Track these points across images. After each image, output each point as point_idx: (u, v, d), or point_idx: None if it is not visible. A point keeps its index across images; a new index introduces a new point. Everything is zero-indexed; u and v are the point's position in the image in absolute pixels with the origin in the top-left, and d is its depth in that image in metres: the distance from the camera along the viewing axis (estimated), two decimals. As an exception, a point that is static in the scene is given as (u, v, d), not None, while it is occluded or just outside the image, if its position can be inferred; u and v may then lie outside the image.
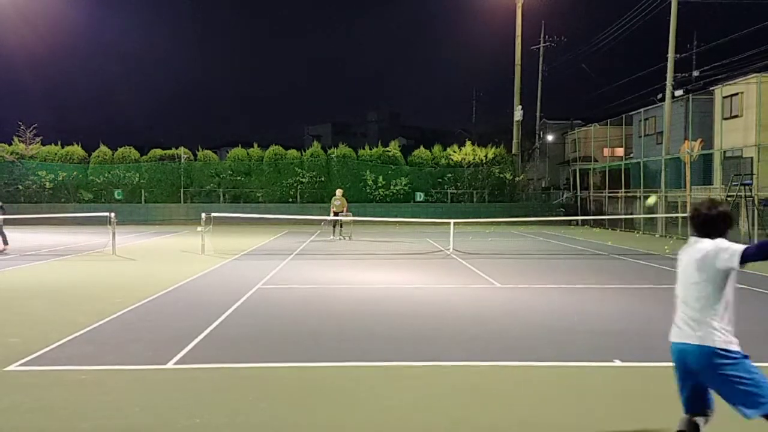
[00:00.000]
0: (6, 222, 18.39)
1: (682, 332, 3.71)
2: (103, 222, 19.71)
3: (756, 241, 18.85)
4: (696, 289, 3.65)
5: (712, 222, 3.67)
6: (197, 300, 9.67)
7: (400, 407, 4.98)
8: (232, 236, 23.07)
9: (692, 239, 3.77)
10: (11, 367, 6.01)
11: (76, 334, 7.30)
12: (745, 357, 3.57)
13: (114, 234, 17.09)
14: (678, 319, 3.78)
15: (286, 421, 4.73)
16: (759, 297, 10.29)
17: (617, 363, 6.25)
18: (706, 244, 3.63)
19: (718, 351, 3.51)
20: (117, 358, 6.34)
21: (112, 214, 17.32)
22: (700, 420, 3.74)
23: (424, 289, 11.03)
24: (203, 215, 17.81)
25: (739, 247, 3.46)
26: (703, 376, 3.62)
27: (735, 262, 3.46)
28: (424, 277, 12.36)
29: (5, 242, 17.52)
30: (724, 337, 3.54)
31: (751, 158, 23.43)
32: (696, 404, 3.74)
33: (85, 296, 10.04)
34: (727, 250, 3.49)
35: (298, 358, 6.36)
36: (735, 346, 3.55)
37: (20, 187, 34.21)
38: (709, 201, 3.80)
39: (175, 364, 6.15)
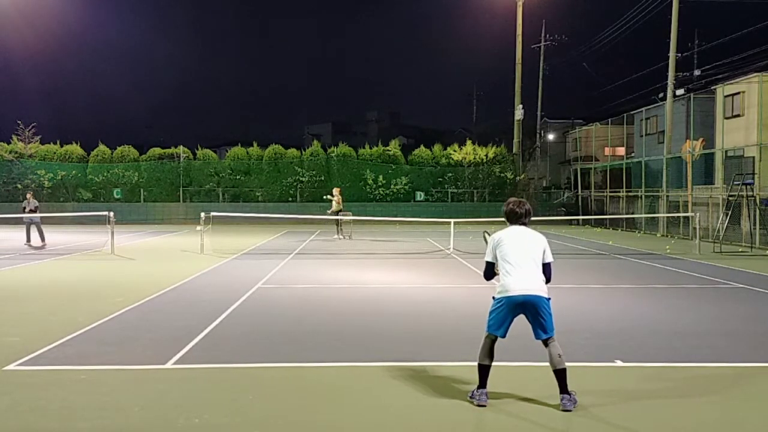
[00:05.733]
0: (7, 221, 18.51)
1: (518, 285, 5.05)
2: (101, 221, 19.70)
3: (757, 240, 18.72)
4: (539, 259, 5.15)
5: (527, 215, 5.27)
6: (197, 300, 9.65)
7: (399, 407, 4.96)
8: (232, 235, 23.05)
9: (516, 227, 5.23)
10: (10, 367, 5.99)
11: (76, 334, 7.28)
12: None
13: (113, 233, 17.06)
14: (519, 277, 5.06)
15: (286, 420, 4.71)
16: (759, 297, 10.26)
17: (618, 363, 6.23)
18: (540, 236, 5.24)
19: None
20: (116, 358, 6.32)
21: (111, 214, 17.31)
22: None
23: (424, 288, 11.01)
24: (202, 214, 17.79)
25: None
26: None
27: (551, 258, 5.24)
28: (424, 277, 12.34)
29: (42, 239, 18.56)
30: (544, 285, 5.12)
31: (753, 158, 23.37)
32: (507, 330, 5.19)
33: (84, 296, 10.02)
34: (550, 252, 5.25)
35: (297, 358, 6.34)
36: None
37: (19, 186, 34.18)
38: (518, 200, 5.35)
39: (175, 363, 6.12)
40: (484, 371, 5.05)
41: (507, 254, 5.10)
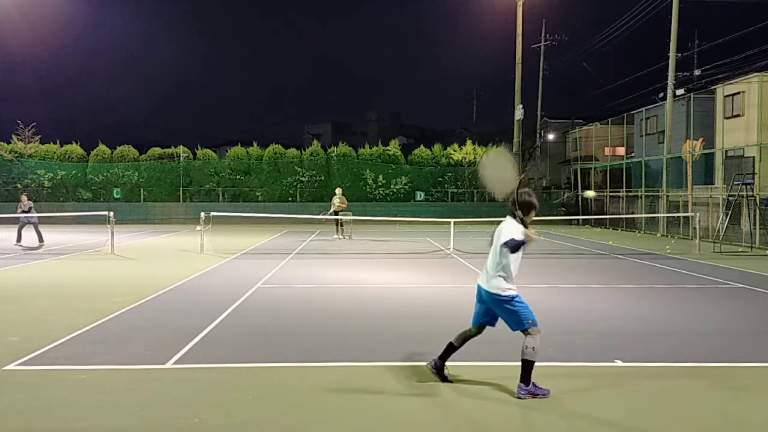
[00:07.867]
0: (7, 221, 18.52)
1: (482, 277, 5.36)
2: (101, 221, 19.71)
3: (757, 240, 18.70)
4: (492, 251, 5.30)
5: (512, 204, 5.24)
6: (196, 299, 9.64)
7: (399, 407, 4.96)
8: (232, 235, 23.05)
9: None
10: (10, 366, 5.99)
11: (75, 334, 7.28)
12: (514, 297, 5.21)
13: (113, 233, 17.07)
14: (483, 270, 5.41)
15: (286, 420, 4.71)
16: (759, 297, 10.26)
17: (618, 363, 6.23)
18: (503, 224, 5.23)
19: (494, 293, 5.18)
20: (116, 358, 6.31)
21: (111, 213, 17.31)
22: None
23: (424, 288, 11.01)
24: (202, 214, 17.79)
25: (509, 235, 5.04)
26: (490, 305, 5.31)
27: (502, 241, 5.10)
28: (424, 277, 12.34)
29: (41, 239, 18.54)
30: (500, 283, 5.17)
31: (753, 157, 23.37)
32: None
33: (84, 295, 10.02)
34: (506, 234, 5.07)
35: (298, 358, 6.34)
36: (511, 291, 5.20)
37: (19, 185, 34.18)
38: (525, 191, 5.32)
39: (175, 363, 6.13)
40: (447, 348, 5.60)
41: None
